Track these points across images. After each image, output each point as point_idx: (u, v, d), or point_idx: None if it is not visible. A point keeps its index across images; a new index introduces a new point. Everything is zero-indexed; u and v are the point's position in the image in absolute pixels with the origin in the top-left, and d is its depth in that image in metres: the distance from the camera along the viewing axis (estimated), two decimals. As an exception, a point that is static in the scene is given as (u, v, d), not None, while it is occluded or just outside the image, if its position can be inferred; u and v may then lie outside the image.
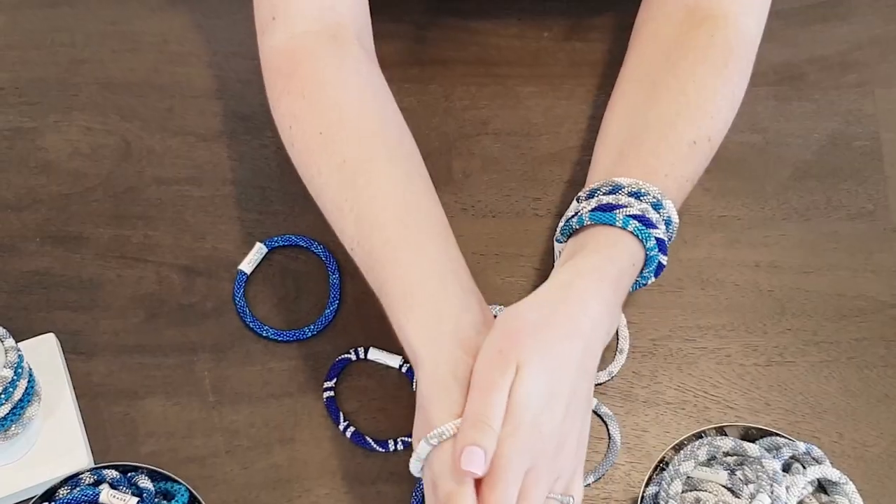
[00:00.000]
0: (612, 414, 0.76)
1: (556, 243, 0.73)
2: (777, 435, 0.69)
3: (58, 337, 0.77)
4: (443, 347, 0.62)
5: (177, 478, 0.69)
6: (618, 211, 0.67)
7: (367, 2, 0.75)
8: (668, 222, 0.69)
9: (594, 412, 0.76)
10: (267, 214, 0.82)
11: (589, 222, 0.68)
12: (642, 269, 0.69)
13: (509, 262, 0.81)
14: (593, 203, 0.68)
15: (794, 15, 0.91)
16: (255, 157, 0.85)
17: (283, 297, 0.80)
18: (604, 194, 0.69)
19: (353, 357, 0.78)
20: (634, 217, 0.66)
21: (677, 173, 0.70)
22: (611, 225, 0.67)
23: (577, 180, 0.84)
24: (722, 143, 0.84)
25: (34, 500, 0.68)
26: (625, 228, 0.66)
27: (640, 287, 0.71)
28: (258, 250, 0.81)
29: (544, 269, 0.81)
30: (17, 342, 0.70)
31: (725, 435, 0.70)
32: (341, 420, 0.76)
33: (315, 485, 0.74)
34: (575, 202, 0.71)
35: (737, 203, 0.83)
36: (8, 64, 0.88)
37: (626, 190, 0.68)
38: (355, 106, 0.70)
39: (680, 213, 0.82)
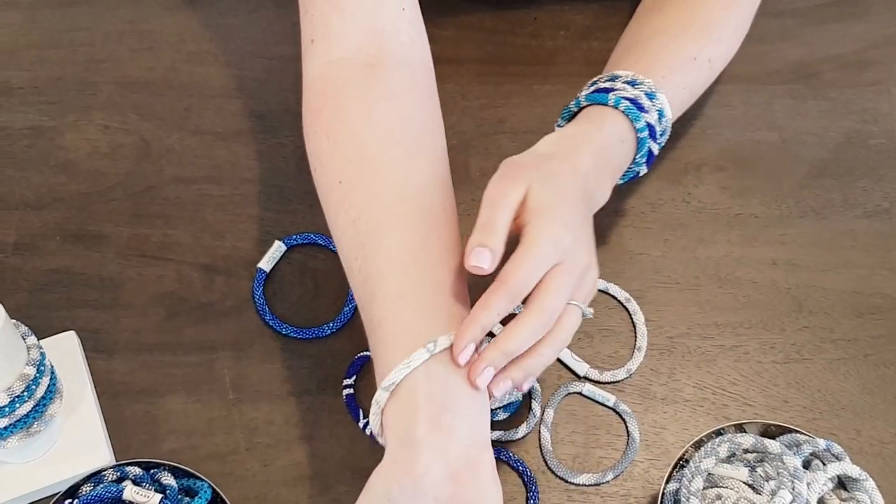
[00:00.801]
0: (630, 411, 0.76)
1: (555, 128, 0.75)
2: (797, 432, 0.69)
3: (78, 335, 0.78)
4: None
5: (199, 474, 0.69)
6: (611, 93, 0.71)
7: (419, 15, 0.72)
8: (660, 113, 0.72)
9: (613, 409, 0.77)
10: (285, 213, 0.83)
11: (585, 103, 0.72)
12: (634, 156, 0.72)
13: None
14: (591, 89, 0.73)
15: (810, 14, 0.91)
16: (273, 155, 0.85)
17: (301, 295, 0.80)
18: (602, 82, 0.73)
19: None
20: (627, 99, 0.71)
21: (675, 77, 0.75)
22: (603, 104, 0.71)
23: (594, 178, 0.84)
24: (738, 141, 0.85)
25: (57, 496, 0.68)
26: (616, 107, 0.70)
27: (633, 177, 0.74)
28: (277, 248, 0.81)
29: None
30: (38, 340, 0.70)
31: (745, 432, 0.70)
32: (361, 417, 0.76)
33: (335, 482, 0.74)
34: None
35: (754, 201, 0.84)
36: (26, 63, 0.88)
37: (622, 78, 0.73)
38: (379, 148, 0.66)
39: (696, 211, 0.82)
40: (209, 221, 0.83)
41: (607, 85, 0.72)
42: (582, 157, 0.67)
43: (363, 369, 0.78)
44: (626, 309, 0.80)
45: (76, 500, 0.66)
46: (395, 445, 0.60)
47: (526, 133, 0.86)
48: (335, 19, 0.69)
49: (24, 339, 0.69)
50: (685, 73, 0.76)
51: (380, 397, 0.61)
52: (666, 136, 0.74)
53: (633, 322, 0.80)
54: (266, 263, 0.81)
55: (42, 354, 0.70)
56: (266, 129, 0.86)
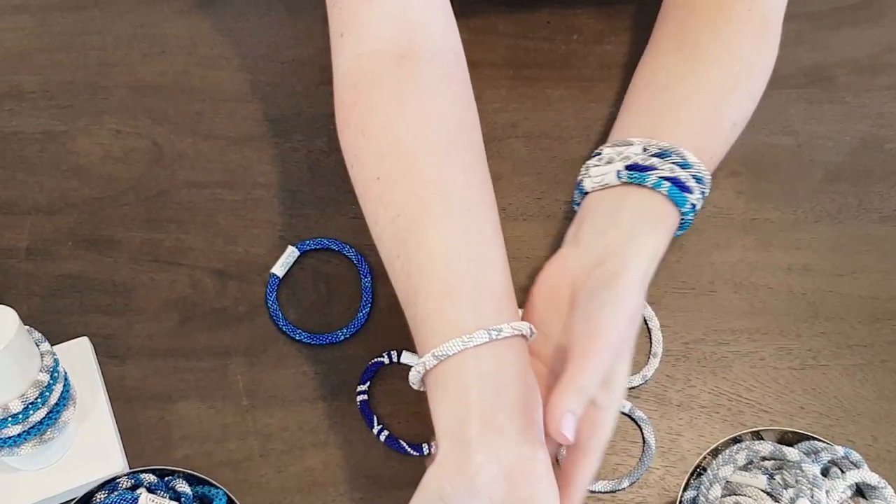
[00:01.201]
0: (646, 418, 0.76)
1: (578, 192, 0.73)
2: (815, 439, 0.69)
3: (91, 341, 0.78)
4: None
5: (214, 482, 0.69)
6: (651, 172, 0.68)
7: (449, 5, 0.71)
8: (701, 186, 0.70)
9: (628, 415, 0.76)
10: (298, 217, 0.83)
11: (623, 181, 0.69)
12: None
13: (541, 265, 0.81)
14: (625, 160, 0.70)
15: (825, 17, 0.91)
16: (286, 160, 0.85)
17: (315, 301, 0.80)
18: (637, 154, 0.69)
19: (387, 360, 0.78)
20: (669, 180, 0.68)
21: (716, 149, 0.72)
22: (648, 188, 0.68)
23: (608, 183, 0.84)
24: (753, 145, 0.85)
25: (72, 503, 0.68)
26: (664, 192, 0.68)
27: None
28: (290, 254, 0.81)
29: (576, 272, 0.81)
30: (51, 346, 0.70)
31: (762, 439, 0.69)
32: (375, 423, 0.76)
33: (349, 489, 0.74)
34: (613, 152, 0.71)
35: (769, 206, 0.83)
36: (38, 67, 0.88)
37: (668, 157, 0.69)
38: (415, 143, 0.65)
39: (711, 216, 0.82)
40: (222, 226, 0.82)
41: (645, 161, 0.69)
42: (645, 273, 0.66)
43: (377, 375, 0.77)
44: (642, 315, 0.80)
45: (91, 508, 0.66)
46: (447, 445, 0.59)
47: (539, 137, 0.86)
48: (364, 11, 0.68)
49: (37, 346, 0.69)
50: (723, 143, 0.74)
51: (427, 362, 0.60)
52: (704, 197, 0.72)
53: (648, 328, 0.79)
54: (279, 269, 0.80)
55: (56, 361, 0.70)
56: (279, 133, 0.86)
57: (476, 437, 0.58)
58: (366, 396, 0.77)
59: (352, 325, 0.79)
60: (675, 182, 0.68)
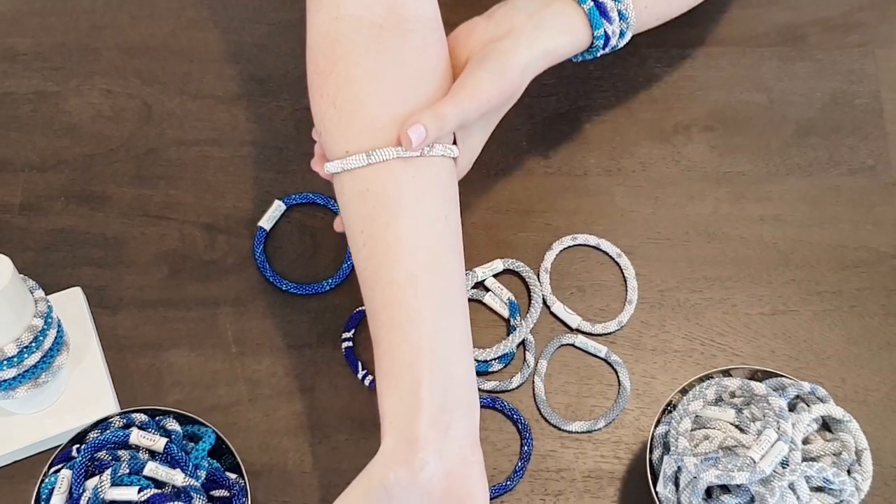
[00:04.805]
0: (621, 362, 0.78)
1: None
2: (782, 376, 0.71)
3: (84, 292, 0.80)
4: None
5: (204, 421, 0.71)
6: None
7: None
8: (622, 15, 0.75)
9: (604, 359, 0.79)
10: (285, 173, 0.85)
11: None
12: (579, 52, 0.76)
13: (521, 218, 0.84)
14: None
15: (797, -23, 0.93)
16: (273, 118, 0.87)
17: (301, 253, 0.82)
18: None
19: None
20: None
21: (654, 7, 0.78)
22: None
23: (585, 139, 0.86)
24: (727, 102, 0.87)
25: (66, 443, 0.70)
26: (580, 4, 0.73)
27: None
28: (277, 207, 0.83)
29: (555, 224, 0.83)
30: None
31: (731, 377, 0.72)
32: (360, 369, 0.78)
33: (335, 431, 0.76)
34: None
35: (742, 159, 0.86)
36: (30, 30, 0.90)
37: None
38: (388, 121, 0.66)
39: (686, 170, 0.84)
40: (210, 182, 0.84)
41: None
42: (532, 62, 0.71)
43: (361, 323, 0.80)
44: (618, 264, 0.82)
45: (84, 445, 0.68)
46: (393, 438, 0.62)
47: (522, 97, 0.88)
48: None
49: (31, 293, 0.71)
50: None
51: (356, 162, 0.65)
52: (624, 40, 0.77)
53: (624, 277, 0.82)
54: (266, 222, 0.83)
55: (49, 307, 0.72)
56: (265, 93, 0.88)
57: (423, 436, 0.61)
58: (351, 343, 0.79)
59: (337, 275, 0.81)
60: (599, 6, 0.74)
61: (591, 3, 0.73)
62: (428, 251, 0.64)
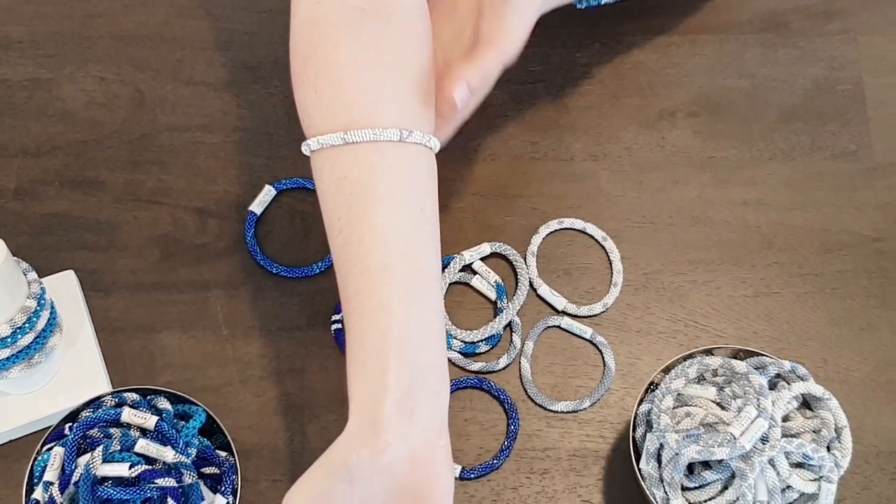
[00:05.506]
0: (606, 343, 0.80)
1: None
2: (764, 355, 0.72)
3: (77, 275, 0.81)
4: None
5: (195, 400, 0.72)
6: None
7: None
8: None
9: (589, 341, 0.80)
10: (275, 159, 0.86)
11: None
12: None
13: (508, 202, 0.85)
14: None
15: (780, -35, 0.94)
16: (263, 104, 0.88)
17: (291, 237, 0.83)
18: None
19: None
20: None
21: None
22: None
23: (571, 125, 0.87)
24: (711, 88, 0.88)
25: (59, 422, 0.71)
26: None
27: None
28: (267, 192, 0.84)
29: (542, 209, 0.84)
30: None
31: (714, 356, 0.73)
32: (349, 351, 0.79)
33: (324, 411, 0.78)
34: None
35: (726, 145, 0.87)
36: (25, 18, 0.91)
37: None
38: (368, 106, 0.66)
39: (671, 155, 0.85)
40: (202, 167, 0.86)
41: None
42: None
43: (351, 306, 0.81)
44: (603, 247, 0.83)
45: (76, 424, 0.70)
46: (359, 419, 0.62)
47: (508, 82, 0.89)
48: None
49: (25, 275, 0.72)
50: None
51: (331, 140, 0.65)
52: None
53: (609, 260, 0.83)
54: (257, 206, 0.84)
55: (42, 289, 0.73)
56: (256, 80, 0.89)
57: (388, 419, 0.61)
58: (340, 325, 0.80)
59: (326, 259, 0.82)
60: None
61: None
62: (402, 241, 0.65)
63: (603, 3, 0.78)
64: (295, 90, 0.70)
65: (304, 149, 0.68)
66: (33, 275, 0.73)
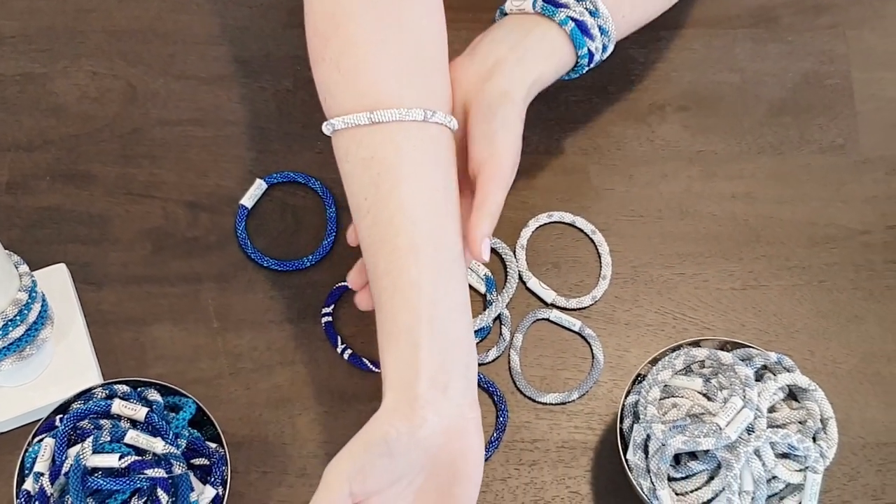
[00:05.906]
0: (595, 335, 0.80)
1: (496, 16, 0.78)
2: (750, 347, 0.73)
3: (69, 268, 0.81)
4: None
5: (185, 392, 0.73)
6: (560, 10, 0.74)
7: None
8: (602, 30, 0.76)
9: (578, 333, 0.80)
10: (266, 153, 0.86)
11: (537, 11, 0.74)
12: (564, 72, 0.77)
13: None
14: None
15: (770, -40, 0.95)
16: (255, 99, 0.88)
17: (282, 231, 0.84)
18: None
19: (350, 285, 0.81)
20: (573, 20, 0.74)
21: (632, 17, 0.79)
22: (550, 18, 0.74)
23: (561, 119, 0.88)
24: (700, 82, 0.89)
25: (49, 414, 0.72)
26: (562, 27, 0.74)
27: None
28: (258, 186, 0.85)
29: (531, 202, 0.85)
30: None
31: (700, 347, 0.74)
32: (339, 343, 0.80)
33: (315, 403, 0.78)
34: None
35: (714, 138, 0.87)
36: (17, 13, 0.92)
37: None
38: (394, 86, 0.66)
39: (659, 148, 0.86)
40: (193, 161, 0.86)
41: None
42: (528, 95, 0.73)
43: (341, 299, 0.81)
44: (592, 241, 0.84)
45: (66, 415, 0.70)
46: (394, 396, 0.64)
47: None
48: None
49: (16, 268, 0.73)
50: (641, 7, 0.79)
51: (357, 119, 0.66)
52: (607, 53, 0.78)
53: (598, 253, 0.83)
54: (248, 200, 0.84)
55: (34, 282, 0.73)
56: (248, 74, 0.89)
57: (423, 395, 0.63)
58: (330, 318, 0.81)
59: (317, 252, 0.83)
60: (580, 25, 0.74)
61: (573, 24, 0.74)
62: (429, 221, 0.66)
63: (584, 72, 0.77)
64: (315, 69, 0.70)
65: (326, 128, 0.68)
66: (25, 268, 0.73)
